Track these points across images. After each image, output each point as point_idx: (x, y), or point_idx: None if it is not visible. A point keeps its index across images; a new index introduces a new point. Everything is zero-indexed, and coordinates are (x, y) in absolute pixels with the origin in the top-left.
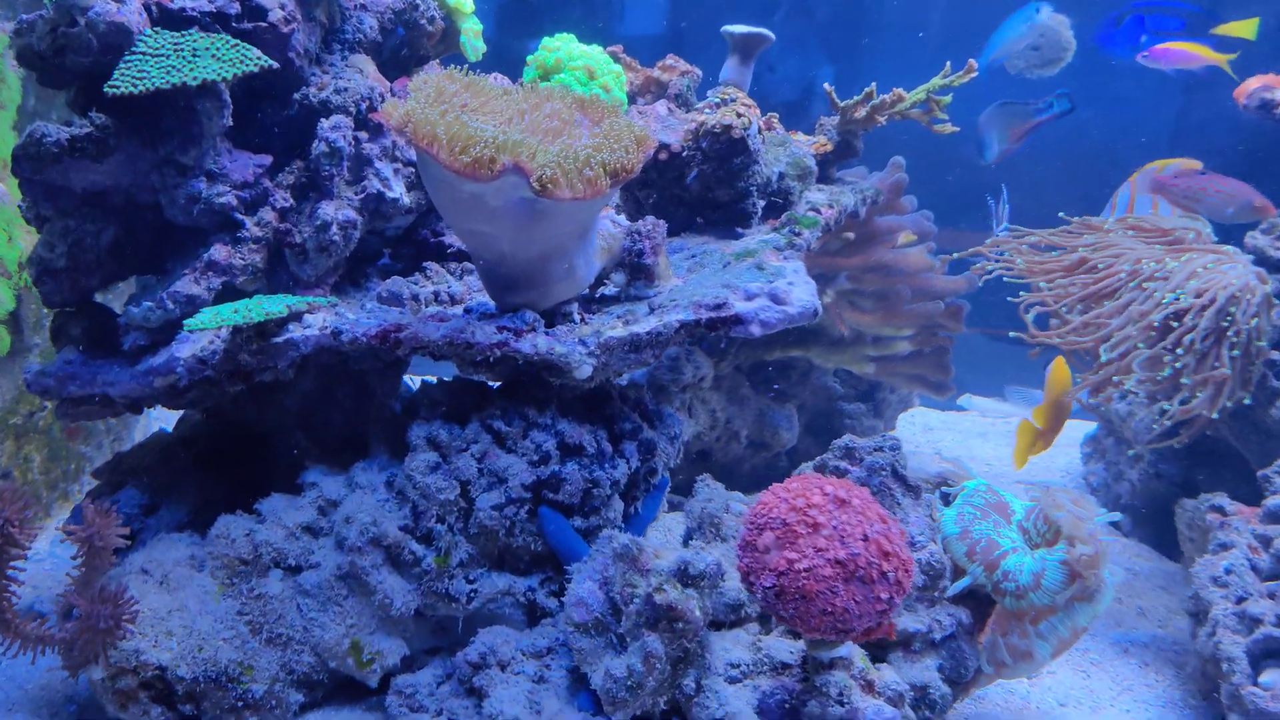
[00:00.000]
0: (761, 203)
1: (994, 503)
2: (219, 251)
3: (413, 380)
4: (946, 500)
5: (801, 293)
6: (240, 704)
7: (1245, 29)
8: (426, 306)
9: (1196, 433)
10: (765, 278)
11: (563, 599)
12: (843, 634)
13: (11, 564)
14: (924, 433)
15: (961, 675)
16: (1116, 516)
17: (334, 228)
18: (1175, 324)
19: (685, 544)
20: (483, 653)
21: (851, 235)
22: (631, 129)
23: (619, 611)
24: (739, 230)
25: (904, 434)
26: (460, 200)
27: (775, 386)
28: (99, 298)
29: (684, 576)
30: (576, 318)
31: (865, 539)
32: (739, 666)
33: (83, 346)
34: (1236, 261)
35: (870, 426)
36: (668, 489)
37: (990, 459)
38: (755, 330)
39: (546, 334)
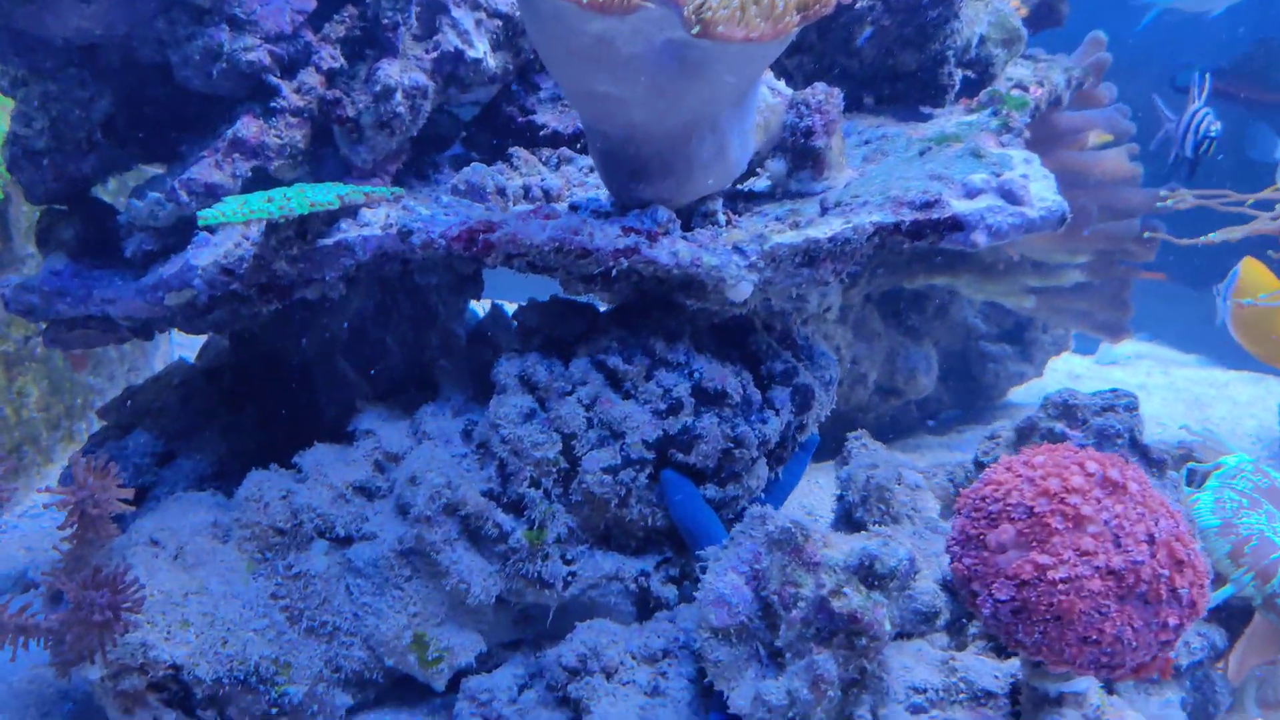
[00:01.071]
0: (959, 74)
1: (1265, 487)
2: (247, 126)
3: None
4: (1194, 479)
5: (1044, 189)
6: (274, 710)
7: None
8: (514, 204)
9: None
10: (987, 168)
11: (683, 588)
12: (1107, 670)
13: None
14: (1070, 382)
15: (1209, 713)
16: None
17: (398, 96)
18: None
19: (843, 522)
20: (582, 655)
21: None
22: None
23: (771, 615)
24: (926, 110)
25: (1050, 383)
26: (580, 47)
27: (907, 321)
28: (98, 193)
29: (868, 575)
30: (721, 218)
31: (1150, 540)
32: (925, 692)
33: (76, 253)
34: None
35: (1016, 373)
36: (815, 449)
37: (1162, 417)
38: (980, 239)
39: (684, 238)
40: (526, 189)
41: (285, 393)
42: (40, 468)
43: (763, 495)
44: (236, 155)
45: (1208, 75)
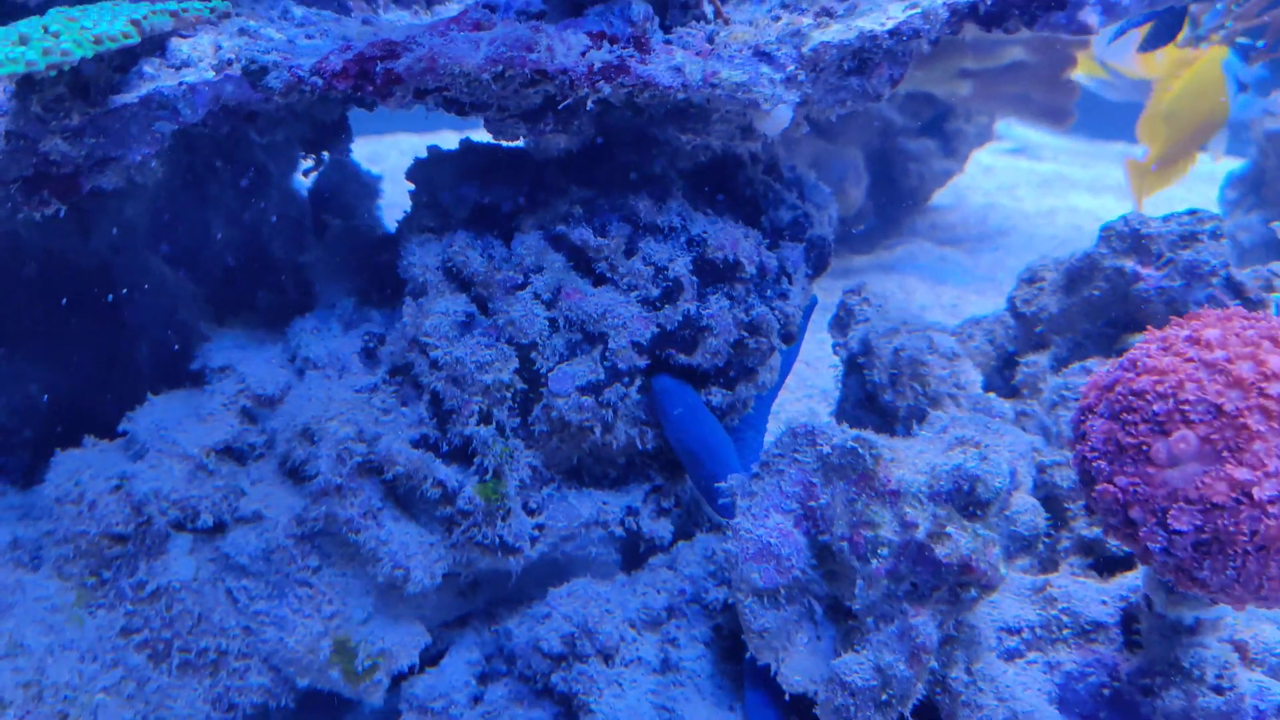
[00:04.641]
0: None
1: None
2: None
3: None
4: None
5: None
6: None
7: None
8: (383, 11)
9: None
10: None
11: (674, 517)
12: None
13: None
14: (984, 175)
15: None
16: None
17: None
18: None
19: (863, 407)
20: (569, 635)
21: None
22: None
23: (832, 563)
24: None
25: (969, 181)
26: None
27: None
28: None
29: (968, 502)
30: (709, 7)
31: None
32: (1019, 632)
33: None
34: None
35: (943, 170)
36: (812, 312)
37: (1095, 208)
38: (1091, 20)
39: (667, 43)
40: None
41: (75, 315)
42: None
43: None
44: None
45: None
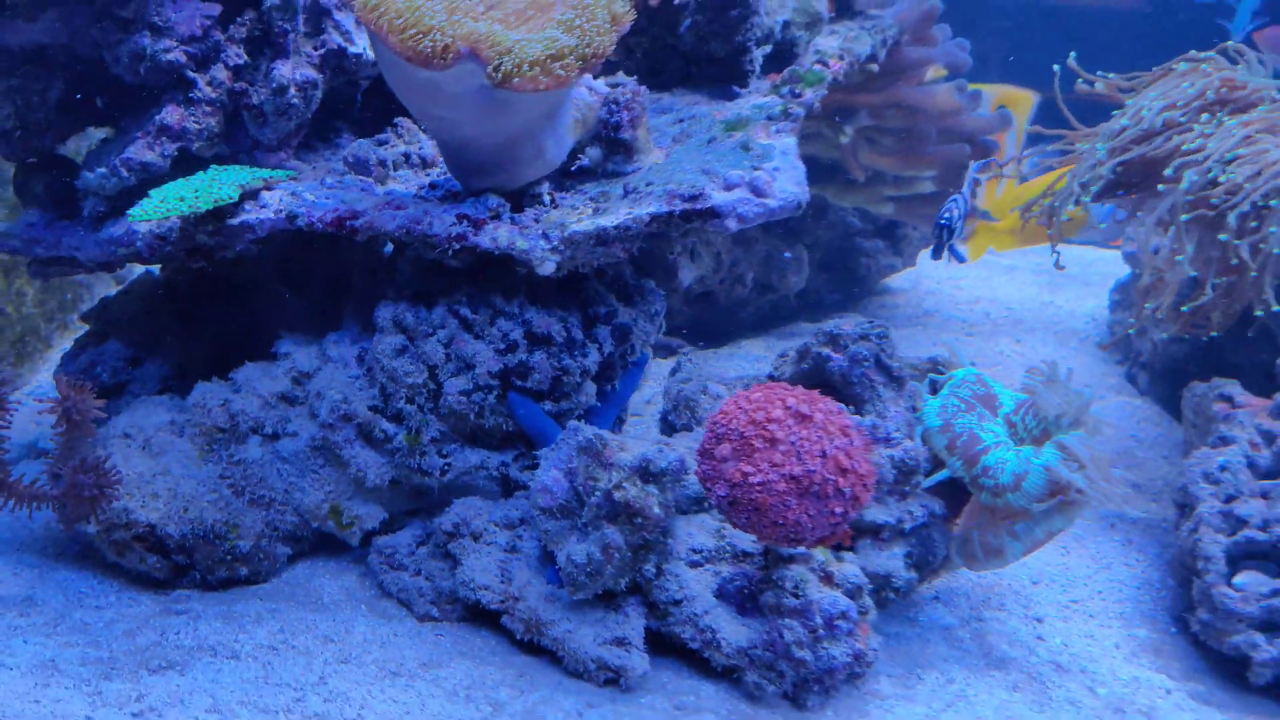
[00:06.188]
0: (761, 56)
1: (981, 395)
2: (172, 114)
3: None
4: (935, 389)
5: (786, 182)
6: (230, 557)
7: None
8: (396, 170)
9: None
10: (750, 161)
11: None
12: (794, 543)
13: None
14: (944, 265)
15: (930, 561)
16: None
17: (291, 90)
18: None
19: (663, 422)
20: (456, 522)
21: (875, 67)
22: (609, 4)
23: (583, 500)
24: (735, 89)
25: (924, 270)
26: (416, 85)
27: (788, 221)
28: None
29: (645, 473)
30: (547, 199)
31: (824, 455)
32: (701, 552)
33: (46, 204)
34: None
35: (888, 264)
36: (647, 364)
37: (1013, 301)
38: (731, 225)
39: (512, 221)
40: (407, 156)
41: (230, 305)
42: (42, 353)
43: (599, 404)
44: (164, 138)
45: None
